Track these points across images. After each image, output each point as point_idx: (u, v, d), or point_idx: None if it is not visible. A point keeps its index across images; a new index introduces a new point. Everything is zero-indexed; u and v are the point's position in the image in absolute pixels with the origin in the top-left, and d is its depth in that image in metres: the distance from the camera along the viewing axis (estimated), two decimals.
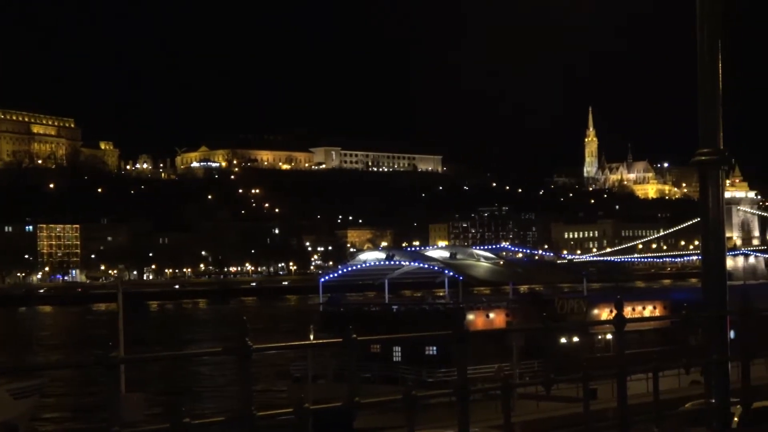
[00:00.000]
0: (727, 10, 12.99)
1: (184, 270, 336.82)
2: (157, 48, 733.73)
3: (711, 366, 12.79)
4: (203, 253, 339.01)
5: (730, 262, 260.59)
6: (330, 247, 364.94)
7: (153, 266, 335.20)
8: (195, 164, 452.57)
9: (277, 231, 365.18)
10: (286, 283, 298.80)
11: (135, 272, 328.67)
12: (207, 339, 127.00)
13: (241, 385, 9.02)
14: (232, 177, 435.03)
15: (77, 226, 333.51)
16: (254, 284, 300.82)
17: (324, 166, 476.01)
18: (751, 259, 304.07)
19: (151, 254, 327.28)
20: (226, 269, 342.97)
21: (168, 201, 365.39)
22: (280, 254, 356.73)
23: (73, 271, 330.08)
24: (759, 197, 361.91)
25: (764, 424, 14.81)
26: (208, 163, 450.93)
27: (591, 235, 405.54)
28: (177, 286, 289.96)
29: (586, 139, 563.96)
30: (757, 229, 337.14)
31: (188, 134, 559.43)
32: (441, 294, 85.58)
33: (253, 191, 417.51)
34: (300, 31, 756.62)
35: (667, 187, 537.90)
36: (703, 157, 12.77)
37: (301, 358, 64.16)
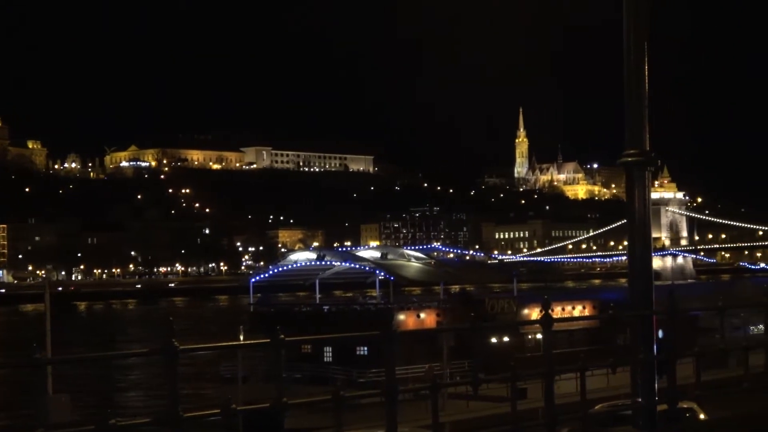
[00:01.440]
0: (653, 13, 13.11)
1: (114, 270, 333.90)
2: (84, 45, 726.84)
3: (637, 365, 12.88)
4: (132, 253, 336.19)
5: (658, 262, 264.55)
6: (261, 247, 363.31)
7: (82, 266, 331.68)
8: (124, 164, 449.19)
9: (207, 231, 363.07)
10: (172, 284, 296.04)
11: (63, 272, 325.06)
12: (136, 339, 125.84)
13: (168, 386, 8.95)
14: (162, 176, 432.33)
15: (4, 225, 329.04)
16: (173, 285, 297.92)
17: (255, 165, 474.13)
18: (680, 260, 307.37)
19: (79, 254, 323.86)
20: (155, 269, 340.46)
21: (97, 201, 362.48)
22: (210, 254, 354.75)
23: (0, 272, 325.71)
24: (687, 198, 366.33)
25: (684, 422, 14.97)
26: (138, 163, 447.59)
27: (521, 235, 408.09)
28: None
29: (517, 140, 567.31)
30: (685, 230, 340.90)
31: (117, 133, 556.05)
32: (372, 294, 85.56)
33: (183, 191, 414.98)
34: (225, 31, 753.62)
35: (596, 188, 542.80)
36: (630, 158, 12.87)
37: (231, 359, 63.87)
